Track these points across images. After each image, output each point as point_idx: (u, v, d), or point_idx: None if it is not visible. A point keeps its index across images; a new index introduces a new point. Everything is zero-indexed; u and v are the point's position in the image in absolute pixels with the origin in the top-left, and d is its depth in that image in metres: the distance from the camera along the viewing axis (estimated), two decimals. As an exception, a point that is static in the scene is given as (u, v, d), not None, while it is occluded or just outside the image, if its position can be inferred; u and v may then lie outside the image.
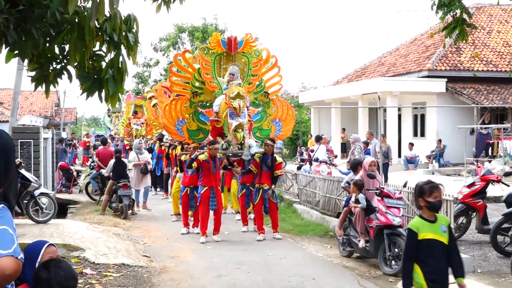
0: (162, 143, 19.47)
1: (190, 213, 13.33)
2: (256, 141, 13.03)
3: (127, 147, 26.00)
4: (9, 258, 2.79)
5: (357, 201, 9.84)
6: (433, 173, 24.48)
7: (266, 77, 14.01)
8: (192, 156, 12.30)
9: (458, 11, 8.53)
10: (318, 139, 18.30)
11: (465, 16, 8.58)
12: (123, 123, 30.87)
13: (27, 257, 3.13)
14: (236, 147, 12.33)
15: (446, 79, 28.09)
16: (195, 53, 20.79)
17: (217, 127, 12.83)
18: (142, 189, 17.22)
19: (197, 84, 13.32)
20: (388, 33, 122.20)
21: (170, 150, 16.99)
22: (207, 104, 13.35)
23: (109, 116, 44.81)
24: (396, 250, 9.19)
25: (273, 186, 12.54)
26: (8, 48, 4.68)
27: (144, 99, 27.88)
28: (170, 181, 17.83)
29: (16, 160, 12.70)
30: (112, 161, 16.03)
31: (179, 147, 15.01)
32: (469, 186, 11.32)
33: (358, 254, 10.35)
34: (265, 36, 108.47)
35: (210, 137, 12.97)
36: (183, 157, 13.37)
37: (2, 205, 2.99)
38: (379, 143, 16.96)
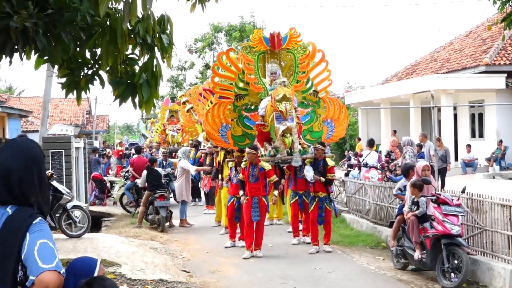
0: (200, 150, 19.03)
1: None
2: (307, 145, 12.92)
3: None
4: (52, 272, 2.87)
5: (416, 205, 9.65)
6: (494, 177, 24.08)
7: (313, 73, 13.82)
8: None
9: (518, 0, 8.39)
10: (371, 144, 17.74)
11: (525, 5, 8.43)
12: (157, 129, 30.98)
13: (78, 273, 3.18)
14: (285, 153, 12.27)
15: (505, 74, 27.54)
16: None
17: (264, 132, 12.69)
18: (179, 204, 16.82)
19: (241, 85, 13.23)
20: (440, 27, 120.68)
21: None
22: (252, 107, 13.27)
23: (144, 122, 44.98)
24: (456, 261, 9.05)
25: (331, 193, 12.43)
26: (38, 54, 4.76)
27: (178, 104, 27.81)
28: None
29: (47, 172, 12.90)
30: (144, 172, 16.18)
31: (222, 153, 14.93)
32: (535, 190, 11.10)
33: (414, 266, 10.23)
34: (306, 34, 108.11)
35: (257, 143, 12.87)
36: (230, 164, 13.33)
37: (39, 218, 3.07)
38: (434, 146, 16.72)
